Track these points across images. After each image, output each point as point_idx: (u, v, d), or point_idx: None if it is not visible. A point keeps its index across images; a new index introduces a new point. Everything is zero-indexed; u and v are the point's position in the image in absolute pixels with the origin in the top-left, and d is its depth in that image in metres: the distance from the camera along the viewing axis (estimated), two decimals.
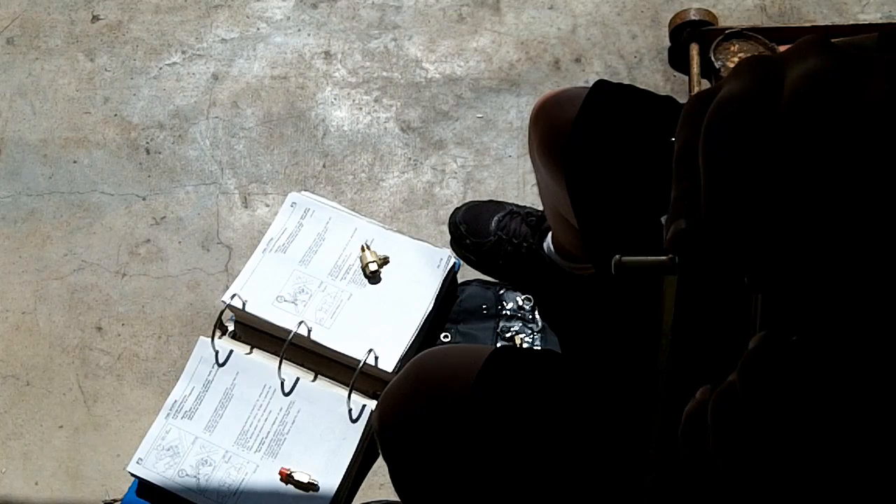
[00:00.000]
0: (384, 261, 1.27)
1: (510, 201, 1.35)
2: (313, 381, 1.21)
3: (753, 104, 0.29)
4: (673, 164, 0.32)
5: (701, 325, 0.48)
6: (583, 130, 0.80)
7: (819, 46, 0.30)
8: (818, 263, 0.30)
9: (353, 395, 1.17)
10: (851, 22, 1.48)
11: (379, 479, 1.20)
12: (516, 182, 1.42)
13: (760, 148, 0.29)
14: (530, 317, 1.29)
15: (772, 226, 0.30)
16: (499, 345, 1.25)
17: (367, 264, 1.26)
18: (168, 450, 1.18)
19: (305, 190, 1.38)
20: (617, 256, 0.35)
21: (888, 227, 0.28)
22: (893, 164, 0.28)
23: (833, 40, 0.31)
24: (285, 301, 1.24)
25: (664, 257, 0.33)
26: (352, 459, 1.15)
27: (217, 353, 1.23)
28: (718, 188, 0.30)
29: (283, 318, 1.22)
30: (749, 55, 0.32)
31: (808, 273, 0.30)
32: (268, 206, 1.42)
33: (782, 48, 1.38)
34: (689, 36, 1.44)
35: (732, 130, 0.30)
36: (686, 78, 1.45)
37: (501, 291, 1.31)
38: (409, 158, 1.45)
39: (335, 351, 1.20)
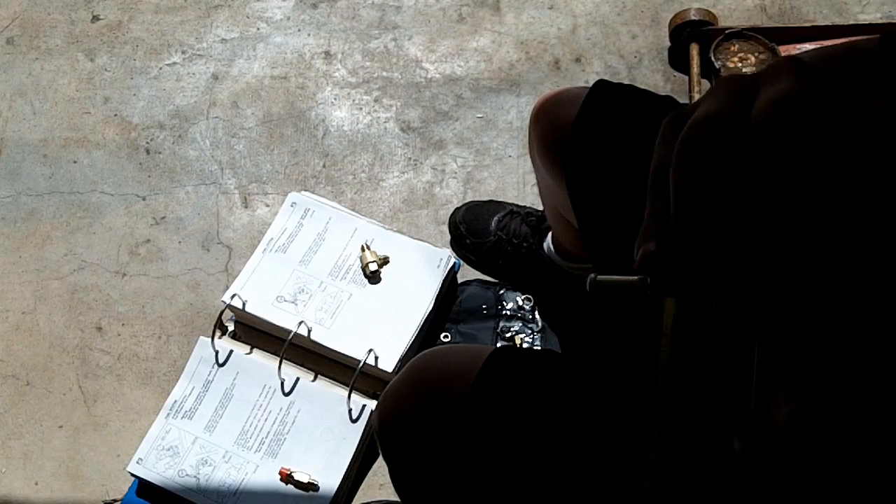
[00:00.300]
0: (384, 261, 1.27)
1: (510, 201, 1.35)
2: (313, 381, 1.21)
3: (724, 127, 0.29)
4: (648, 181, 0.32)
5: (701, 326, 0.48)
6: (583, 130, 0.80)
7: (793, 69, 0.29)
8: (785, 286, 0.30)
9: (353, 395, 1.17)
10: (851, 22, 1.48)
11: (379, 479, 1.20)
12: (516, 182, 1.42)
13: (728, 171, 0.29)
14: (530, 317, 1.29)
15: (738, 249, 0.30)
16: (499, 345, 1.25)
17: (367, 264, 1.26)
18: (168, 450, 1.18)
19: (305, 190, 1.38)
20: (592, 275, 0.36)
21: (851, 247, 0.28)
22: (856, 186, 0.28)
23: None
24: (285, 301, 1.24)
25: (636, 277, 0.34)
26: (352, 459, 1.15)
27: (217, 353, 1.23)
28: (687, 210, 0.30)
29: (283, 318, 1.22)
30: (730, 73, 0.32)
31: (776, 295, 0.30)
32: (268, 206, 1.42)
33: (782, 48, 1.38)
34: (689, 36, 1.44)
35: (702, 153, 0.30)
36: (686, 78, 1.45)
37: (501, 291, 1.31)
38: (409, 158, 1.45)
39: (335, 351, 1.20)
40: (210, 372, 1.22)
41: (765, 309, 0.30)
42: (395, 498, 0.94)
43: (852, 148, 0.28)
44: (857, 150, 0.28)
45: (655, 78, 1.49)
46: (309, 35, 1.58)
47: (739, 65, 1.37)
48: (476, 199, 1.38)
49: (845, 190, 0.28)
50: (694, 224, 0.30)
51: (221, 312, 1.24)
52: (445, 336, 1.29)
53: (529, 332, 1.28)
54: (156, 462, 1.17)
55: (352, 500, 1.19)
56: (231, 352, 1.23)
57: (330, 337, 1.21)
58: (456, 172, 1.44)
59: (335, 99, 1.52)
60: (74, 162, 1.48)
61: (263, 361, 1.22)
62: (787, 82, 0.29)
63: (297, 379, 1.20)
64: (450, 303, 1.31)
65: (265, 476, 1.15)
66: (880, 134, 0.28)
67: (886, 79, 0.29)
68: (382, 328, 1.22)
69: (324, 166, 1.45)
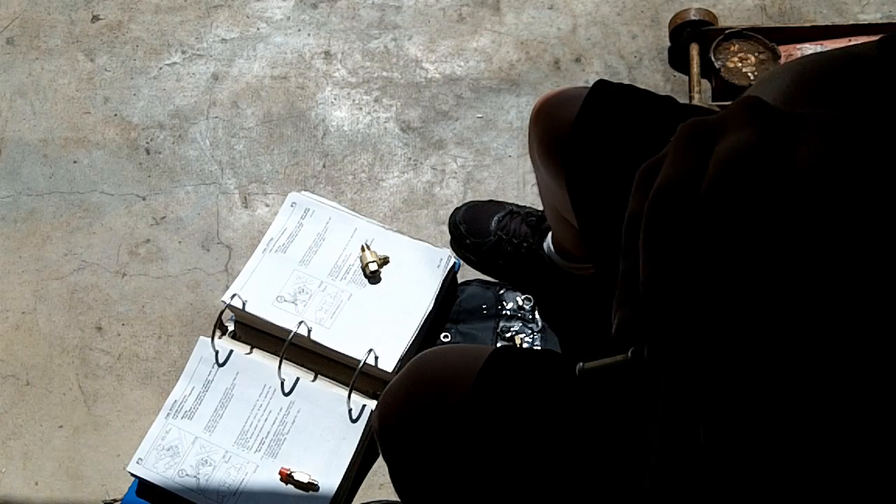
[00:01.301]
0: (384, 261, 1.27)
1: (510, 201, 1.35)
2: (313, 381, 1.21)
3: (683, 191, 0.29)
4: (622, 232, 0.32)
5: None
6: (583, 130, 0.80)
7: (751, 114, 0.29)
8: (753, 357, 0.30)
9: (353, 395, 1.17)
10: (851, 22, 1.48)
11: (379, 479, 1.20)
12: (516, 182, 1.42)
13: (691, 237, 0.29)
14: (530, 317, 1.29)
15: (707, 317, 0.30)
16: (499, 345, 1.25)
17: (367, 264, 1.26)
18: (168, 450, 1.18)
19: (305, 190, 1.38)
20: (580, 364, 0.36)
21: (811, 310, 0.28)
22: (826, 231, 0.28)
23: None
24: (285, 301, 1.24)
25: (621, 356, 0.34)
26: (352, 459, 1.15)
27: (217, 353, 1.23)
28: (654, 281, 0.30)
29: (283, 318, 1.22)
30: (690, 120, 0.31)
31: (742, 364, 0.30)
32: (268, 206, 1.42)
33: (782, 48, 1.38)
34: (689, 36, 1.44)
35: (665, 221, 0.29)
36: (686, 78, 1.45)
37: (501, 291, 1.31)
38: (409, 158, 1.45)
39: (335, 351, 1.20)
40: (210, 372, 1.22)
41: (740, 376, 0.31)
42: (395, 498, 0.94)
43: (817, 192, 0.27)
44: (823, 192, 0.27)
45: (655, 78, 1.49)
46: (309, 35, 1.58)
47: (739, 65, 1.37)
48: (476, 199, 1.38)
49: (816, 238, 0.28)
50: (661, 295, 0.30)
51: (221, 312, 1.24)
52: (445, 336, 1.29)
53: (529, 332, 1.28)
54: (156, 462, 1.17)
55: (352, 500, 1.19)
56: (231, 352, 1.23)
57: (330, 337, 1.21)
58: (456, 172, 1.44)
59: (335, 99, 1.52)
60: (74, 162, 1.48)
61: (263, 361, 1.22)
62: (742, 133, 0.28)
63: (297, 379, 1.20)
64: (450, 303, 1.31)
65: (265, 476, 1.15)
66: (843, 170, 0.27)
67: (814, 132, 0.28)
68: (382, 328, 1.22)
69: (324, 166, 1.45)
